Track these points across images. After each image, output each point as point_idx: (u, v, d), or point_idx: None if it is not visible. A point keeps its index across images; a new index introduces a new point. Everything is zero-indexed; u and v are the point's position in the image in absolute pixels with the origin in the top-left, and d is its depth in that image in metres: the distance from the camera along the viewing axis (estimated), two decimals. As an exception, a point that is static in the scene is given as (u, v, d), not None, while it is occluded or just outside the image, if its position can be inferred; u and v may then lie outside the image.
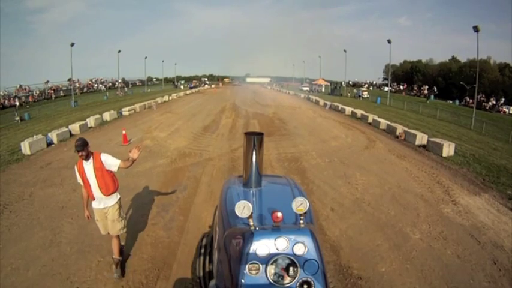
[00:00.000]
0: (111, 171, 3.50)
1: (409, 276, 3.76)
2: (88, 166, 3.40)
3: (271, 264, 1.72)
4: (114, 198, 3.58)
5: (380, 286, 3.60)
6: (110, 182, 3.49)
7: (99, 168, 3.41)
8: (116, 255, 3.63)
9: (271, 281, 1.71)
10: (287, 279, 1.72)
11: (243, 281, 1.70)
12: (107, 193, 3.48)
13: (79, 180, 3.48)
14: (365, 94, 34.79)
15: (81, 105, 25.49)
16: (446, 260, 4.08)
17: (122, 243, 3.93)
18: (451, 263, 4.04)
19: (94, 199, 3.50)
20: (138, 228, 4.74)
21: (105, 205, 3.53)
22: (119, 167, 3.48)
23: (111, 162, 3.47)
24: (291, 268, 1.71)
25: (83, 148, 3.31)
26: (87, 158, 3.37)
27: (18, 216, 5.19)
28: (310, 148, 9.85)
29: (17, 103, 29.38)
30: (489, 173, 7.73)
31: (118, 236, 3.68)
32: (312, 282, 1.72)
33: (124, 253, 3.89)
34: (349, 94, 38.04)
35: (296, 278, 1.72)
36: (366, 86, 52.45)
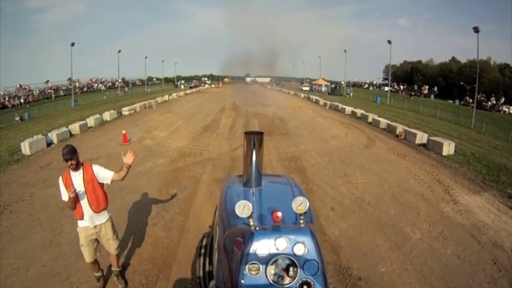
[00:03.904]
0: (103, 185, 3.15)
1: (409, 276, 3.76)
2: (77, 178, 2.99)
3: (271, 264, 1.71)
4: (106, 214, 3.23)
5: (380, 287, 3.59)
6: (101, 196, 3.13)
7: (90, 181, 3.02)
8: (115, 267, 3.48)
9: (271, 282, 1.71)
10: (287, 280, 1.72)
11: (242, 281, 1.70)
12: (98, 209, 3.10)
13: (64, 196, 2.94)
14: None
15: (81, 105, 25.47)
16: (446, 260, 4.08)
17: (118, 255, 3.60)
18: (451, 263, 4.03)
19: (82, 217, 3.08)
20: (138, 228, 4.75)
21: (94, 223, 3.14)
22: (112, 180, 3.12)
23: (104, 175, 3.09)
24: (291, 268, 1.71)
25: (73, 156, 2.91)
26: (76, 168, 2.97)
27: (19, 216, 5.18)
28: (310, 147, 9.85)
29: (22, 100, 29.89)
30: (489, 171, 7.73)
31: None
32: (312, 283, 1.72)
33: (121, 263, 3.74)
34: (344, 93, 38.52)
35: (296, 279, 1.71)
36: (366, 86, 52.63)
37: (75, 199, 2.95)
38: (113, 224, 3.33)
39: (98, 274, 3.45)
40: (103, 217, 3.20)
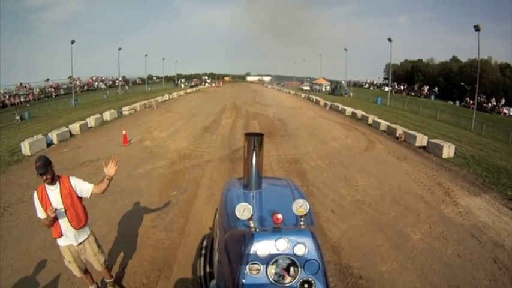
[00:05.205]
0: (81, 198, 2.92)
1: (410, 275, 3.77)
2: (54, 192, 2.74)
3: (272, 264, 1.73)
4: (87, 230, 3.03)
5: (381, 285, 3.61)
6: (81, 211, 2.89)
7: (69, 195, 2.78)
8: (108, 278, 3.35)
9: (272, 281, 1.72)
10: (288, 279, 1.73)
11: (243, 280, 1.71)
12: (78, 226, 2.87)
13: (40, 213, 2.72)
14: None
15: (82, 104, 25.48)
16: (447, 259, 4.10)
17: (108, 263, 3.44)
18: (451, 262, 4.06)
19: (61, 235, 2.84)
20: (139, 230, 4.75)
21: (77, 240, 2.93)
22: (92, 193, 2.88)
23: (83, 187, 2.85)
24: (292, 268, 1.72)
25: (47, 169, 2.64)
26: (52, 181, 2.72)
27: (19, 218, 5.17)
28: (310, 149, 9.84)
29: (22, 99, 30.10)
30: (489, 174, 7.74)
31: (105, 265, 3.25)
32: (313, 282, 1.73)
33: (113, 271, 3.67)
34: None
35: (297, 278, 1.73)
36: (367, 85, 52.78)
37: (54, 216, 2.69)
38: (96, 237, 3.15)
39: (93, 287, 3.28)
40: (85, 233, 3.00)
